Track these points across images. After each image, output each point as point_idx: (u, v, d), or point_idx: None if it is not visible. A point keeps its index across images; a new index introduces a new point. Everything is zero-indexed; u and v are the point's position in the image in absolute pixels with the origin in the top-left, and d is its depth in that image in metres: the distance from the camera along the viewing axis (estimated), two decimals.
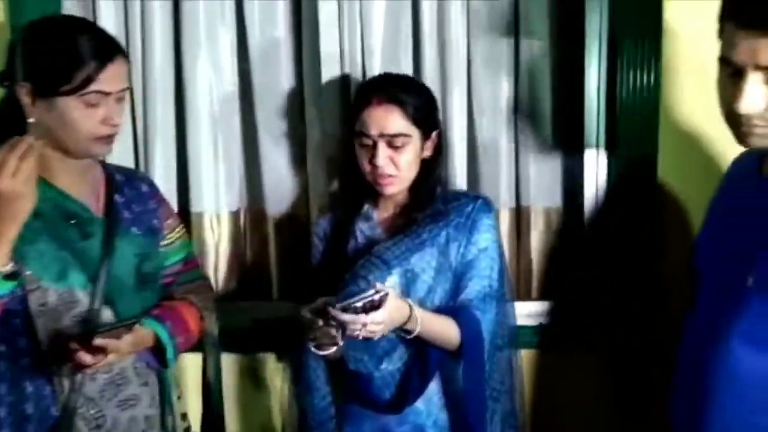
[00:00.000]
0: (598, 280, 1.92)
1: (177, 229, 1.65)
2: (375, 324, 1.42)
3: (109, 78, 1.37)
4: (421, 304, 1.57)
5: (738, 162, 1.40)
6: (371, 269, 1.59)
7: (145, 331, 1.45)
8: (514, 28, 1.93)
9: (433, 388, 1.60)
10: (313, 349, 1.48)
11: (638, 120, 1.81)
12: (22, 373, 1.39)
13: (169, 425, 1.57)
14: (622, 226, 1.86)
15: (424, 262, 1.59)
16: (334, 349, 1.47)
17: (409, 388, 1.58)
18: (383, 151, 1.58)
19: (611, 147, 1.87)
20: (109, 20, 1.92)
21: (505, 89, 1.96)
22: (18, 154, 1.25)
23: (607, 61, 1.85)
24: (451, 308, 1.58)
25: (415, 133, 1.59)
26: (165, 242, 1.61)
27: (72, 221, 1.42)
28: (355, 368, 1.62)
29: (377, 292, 1.42)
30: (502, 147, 1.98)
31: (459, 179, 1.95)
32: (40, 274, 1.38)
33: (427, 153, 1.64)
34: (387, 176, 1.59)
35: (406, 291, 1.58)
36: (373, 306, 1.42)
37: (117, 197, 1.52)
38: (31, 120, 1.36)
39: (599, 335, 1.92)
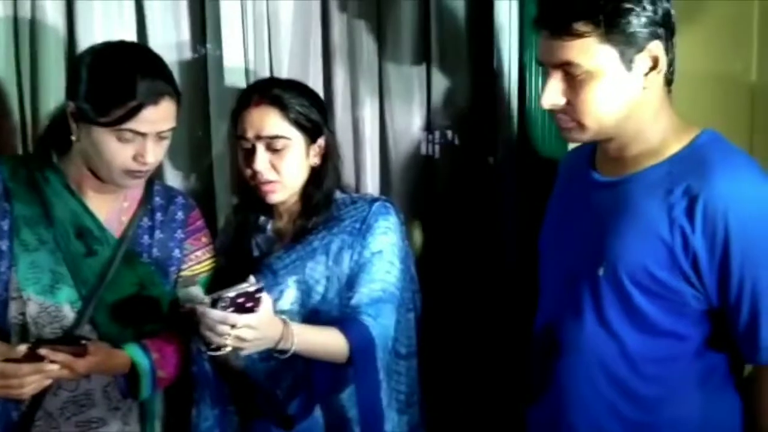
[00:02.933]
0: None
1: (205, 263, 1.60)
2: (248, 329, 1.30)
3: (148, 119, 1.35)
4: (318, 315, 1.51)
5: (568, 160, 1.55)
6: (261, 280, 1.50)
7: (122, 356, 1.41)
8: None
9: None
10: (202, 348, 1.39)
11: None
12: None
13: None
14: None
15: (317, 272, 1.54)
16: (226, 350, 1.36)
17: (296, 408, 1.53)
18: (262, 155, 1.51)
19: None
20: None
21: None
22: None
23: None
24: (338, 318, 1.51)
25: (296, 136, 1.53)
26: (187, 274, 1.56)
27: (80, 236, 1.43)
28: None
29: (252, 285, 1.32)
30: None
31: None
32: (24, 285, 1.39)
33: (315, 159, 1.58)
34: (268, 182, 1.52)
35: (303, 303, 1.53)
36: (246, 308, 1.30)
37: (144, 220, 1.51)
38: (73, 138, 1.41)
39: None
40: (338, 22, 1.87)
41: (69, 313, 1.42)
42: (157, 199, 1.57)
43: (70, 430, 1.44)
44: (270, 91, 1.54)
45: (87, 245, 1.44)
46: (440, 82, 1.91)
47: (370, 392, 1.50)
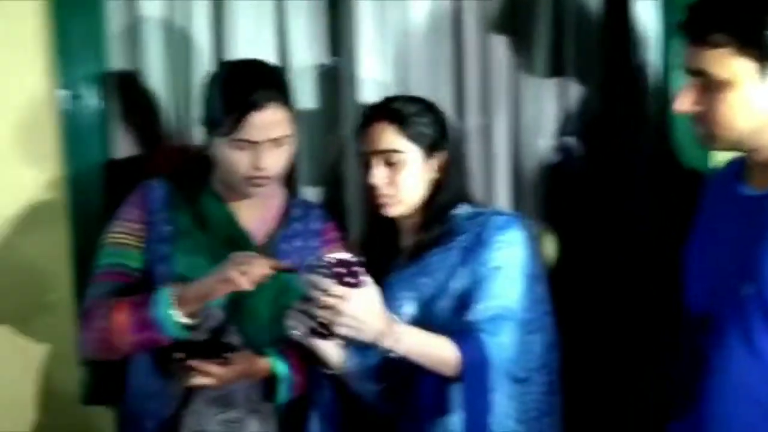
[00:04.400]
0: None
1: None
2: (342, 300, 1.28)
3: (256, 126, 1.43)
4: (433, 332, 1.45)
5: (719, 173, 1.48)
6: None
7: (262, 363, 1.49)
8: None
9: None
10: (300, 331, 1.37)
11: None
12: (150, 371, 1.51)
13: None
14: None
15: (433, 288, 1.51)
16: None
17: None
18: (378, 169, 1.52)
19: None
20: None
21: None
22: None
23: None
24: (452, 331, 1.45)
25: (412, 150, 1.52)
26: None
27: (228, 243, 1.52)
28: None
29: (349, 255, 1.31)
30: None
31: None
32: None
33: (434, 174, 1.56)
34: (385, 196, 1.53)
35: (418, 320, 1.49)
36: (345, 283, 1.29)
37: (284, 230, 1.60)
38: (206, 153, 1.53)
39: None
40: (470, 32, 1.87)
41: (218, 315, 1.51)
42: (295, 210, 1.65)
43: (213, 428, 1.52)
44: (388, 106, 1.56)
45: (234, 252, 1.50)
46: (574, 90, 1.88)
47: (477, 413, 1.44)
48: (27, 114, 1.87)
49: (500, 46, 1.89)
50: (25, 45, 1.84)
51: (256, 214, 1.59)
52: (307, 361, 1.53)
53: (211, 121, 1.48)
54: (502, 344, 1.44)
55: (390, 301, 1.47)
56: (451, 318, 1.48)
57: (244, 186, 1.50)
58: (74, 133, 1.86)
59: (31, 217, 1.89)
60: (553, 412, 1.59)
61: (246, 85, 1.44)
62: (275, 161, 1.48)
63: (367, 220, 1.69)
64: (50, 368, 1.95)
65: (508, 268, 1.48)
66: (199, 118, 1.56)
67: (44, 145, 1.87)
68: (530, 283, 1.52)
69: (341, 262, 1.30)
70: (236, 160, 1.46)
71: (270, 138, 1.45)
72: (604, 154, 1.89)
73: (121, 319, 1.41)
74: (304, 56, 1.94)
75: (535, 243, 1.58)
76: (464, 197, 1.61)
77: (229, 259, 1.39)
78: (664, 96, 1.77)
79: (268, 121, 1.44)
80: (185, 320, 1.40)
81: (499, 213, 1.58)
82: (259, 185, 1.49)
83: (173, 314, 1.39)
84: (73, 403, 1.88)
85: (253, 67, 1.54)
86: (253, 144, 1.44)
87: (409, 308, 1.52)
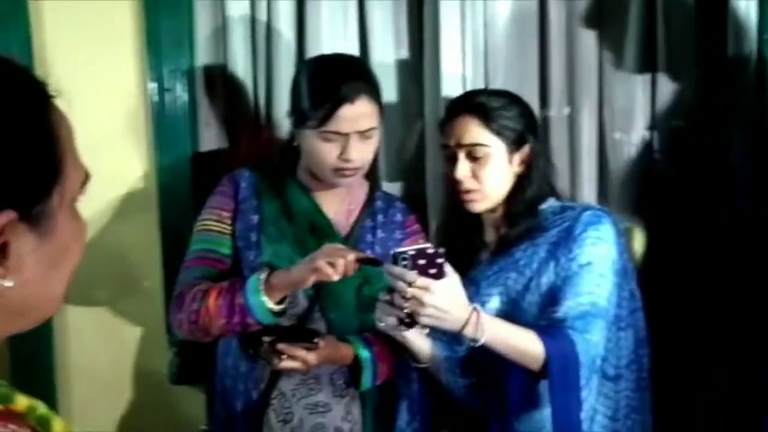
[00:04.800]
0: None
1: None
2: (425, 291, 1.28)
3: (345, 118, 1.46)
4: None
5: None
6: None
7: (347, 349, 1.52)
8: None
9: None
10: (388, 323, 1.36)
11: None
12: (239, 353, 1.55)
13: None
14: None
15: (519, 285, 1.49)
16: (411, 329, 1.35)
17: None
18: (462, 163, 1.51)
19: None
20: None
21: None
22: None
23: None
24: (539, 326, 1.43)
25: (497, 144, 1.50)
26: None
27: (313, 232, 1.56)
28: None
29: (431, 246, 1.31)
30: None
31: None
32: None
33: (519, 167, 1.54)
34: (469, 191, 1.51)
35: (505, 317, 1.47)
36: (428, 273, 1.29)
37: (368, 221, 1.62)
38: (295, 143, 1.56)
39: None
40: (556, 26, 1.85)
41: (302, 301, 1.55)
42: (378, 203, 1.67)
43: (299, 411, 1.55)
44: (473, 99, 1.55)
45: (319, 241, 1.53)
46: (666, 83, 1.83)
47: (567, 410, 1.41)
48: (120, 107, 1.95)
49: (587, 37, 1.86)
50: (119, 42, 1.93)
51: (340, 205, 1.62)
52: (397, 354, 1.54)
53: (301, 113, 1.50)
54: (591, 341, 1.41)
55: (475, 296, 1.46)
56: (538, 314, 1.46)
57: (331, 177, 1.52)
58: (164, 125, 1.94)
59: (124, 207, 1.96)
60: (644, 408, 1.55)
61: (337, 78, 1.47)
62: (363, 153, 1.49)
63: (448, 214, 1.69)
64: (142, 350, 2.03)
65: (599, 264, 1.45)
66: (287, 111, 1.59)
67: (136, 136, 1.95)
68: (620, 280, 1.48)
69: (423, 254, 1.31)
70: (325, 151, 1.48)
71: (358, 130, 1.47)
72: (698, 148, 1.83)
73: (214, 303, 1.45)
74: (387, 51, 1.95)
75: (624, 238, 1.54)
76: (550, 191, 1.59)
77: (320, 250, 1.41)
78: (762, 88, 1.70)
79: (358, 114, 1.46)
80: (274, 306, 1.43)
81: (590, 208, 1.55)
82: (345, 176, 1.51)
83: (263, 300, 1.42)
84: (163, 383, 1.95)
85: (343, 61, 1.60)
86: (342, 136, 1.46)
87: (495, 303, 1.50)
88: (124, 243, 1.98)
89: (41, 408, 0.72)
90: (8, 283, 0.62)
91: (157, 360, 1.96)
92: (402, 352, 1.53)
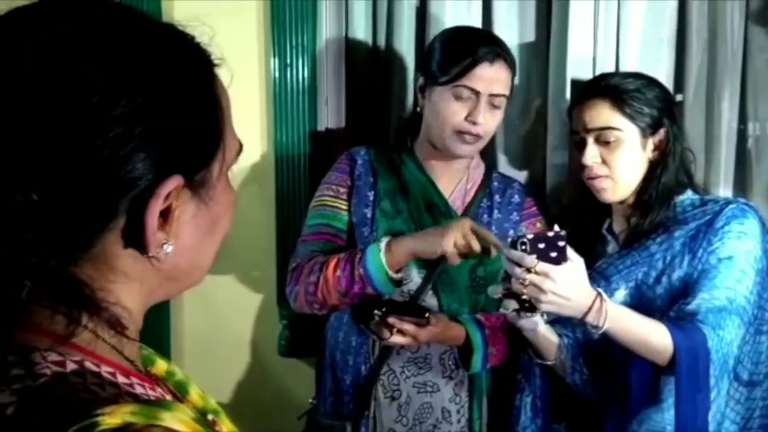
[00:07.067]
0: None
1: None
2: (545, 277, 1.22)
3: (482, 77, 1.46)
4: None
5: None
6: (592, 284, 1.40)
7: (458, 329, 1.49)
8: None
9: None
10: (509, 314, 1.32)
11: None
12: (349, 327, 1.55)
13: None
14: None
15: (652, 278, 1.40)
16: (535, 317, 1.31)
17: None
18: (591, 148, 1.44)
19: None
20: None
21: None
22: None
23: None
24: (668, 317, 1.34)
25: (629, 128, 1.42)
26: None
27: (428, 209, 1.56)
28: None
29: (552, 231, 1.24)
30: None
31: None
32: None
33: (653, 154, 1.45)
34: (598, 177, 1.44)
35: (632, 307, 1.38)
36: (549, 258, 1.22)
37: (484, 201, 1.61)
38: (418, 109, 1.58)
39: None
40: (696, 8, 1.72)
41: (416, 277, 1.53)
42: (495, 183, 1.65)
43: (408, 389, 1.53)
44: (605, 82, 1.47)
45: (434, 218, 1.54)
46: None
47: (694, 411, 1.31)
48: (242, 81, 1.96)
49: (730, 17, 1.72)
50: (245, 15, 1.96)
51: (456, 183, 1.61)
52: (519, 348, 1.51)
53: (437, 70, 1.49)
54: (724, 339, 1.32)
55: (604, 290, 1.38)
56: (665, 307, 1.38)
57: (452, 141, 1.50)
58: (284, 100, 1.94)
59: (241, 181, 1.99)
60: None
61: (478, 39, 1.50)
62: (489, 120, 1.49)
63: (573, 202, 1.61)
64: (252, 322, 2.05)
65: (740, 259, 1.35)
66: (420, 68, 1.59)
67: (258, 111, 1.97)
68: (763, 279, 1.38)
69: (544, 238, 1.25)
70: (453, 110, 1.47)
71: (492, 92, 1.46)
72: None
73: (333, 274, 1.45)
74: (511, 33, 1.87)
75: (766, 235, 1.42)
76: (688, 181, 1.49)
77: (455, 227, 1.39)
78: None
79: (494, 76, 1.47)
80: (394, 275, 1.43)
81: (735, 201, 1.44)
82: (467, 142, 1.50)
83: (384, 268, 1.42)
84: (273, 355, 1.97)
85: (482, 30, 1.68)
86: (475, 95, 1.46)
87: (623, 294, 1.44)
88: (240, 217, 1.96)
89: (179, 374, 0.73)
90: (168, 248, 0.62)
91: (267, 332, 1.98)
92: (525, 347, 1.48)
